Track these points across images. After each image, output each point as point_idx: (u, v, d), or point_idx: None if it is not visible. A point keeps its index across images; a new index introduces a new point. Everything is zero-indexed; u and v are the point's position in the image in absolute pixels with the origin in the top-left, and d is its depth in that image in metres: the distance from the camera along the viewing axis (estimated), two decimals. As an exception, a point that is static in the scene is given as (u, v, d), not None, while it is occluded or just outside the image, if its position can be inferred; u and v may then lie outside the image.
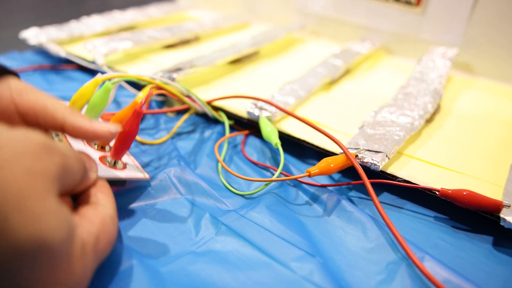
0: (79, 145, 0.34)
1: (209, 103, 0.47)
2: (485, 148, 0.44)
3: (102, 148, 0.36)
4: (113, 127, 0.29)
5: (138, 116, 0.33)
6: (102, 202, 0.27)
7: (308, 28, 0.79)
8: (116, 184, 0.35)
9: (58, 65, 0.60)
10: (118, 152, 0.33)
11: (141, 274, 0.28)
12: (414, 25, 0.68)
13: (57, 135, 0.33)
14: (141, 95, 0.40)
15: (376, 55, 0.71)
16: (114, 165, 0.34)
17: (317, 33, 0.80)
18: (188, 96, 0.46)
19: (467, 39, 0.64)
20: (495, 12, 0.61)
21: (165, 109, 0.47)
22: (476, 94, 0.58)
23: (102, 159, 0.34)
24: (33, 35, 0.61)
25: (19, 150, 0.20)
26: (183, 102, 0.47)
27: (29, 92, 0.28)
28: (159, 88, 0.42)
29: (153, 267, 0.29)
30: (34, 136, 0.21)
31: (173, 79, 0.49)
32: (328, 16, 0.77)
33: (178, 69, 0.51)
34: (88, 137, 0.28)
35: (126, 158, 0.36)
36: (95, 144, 0.35)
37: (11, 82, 0.29)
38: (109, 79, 0.37)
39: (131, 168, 0.35)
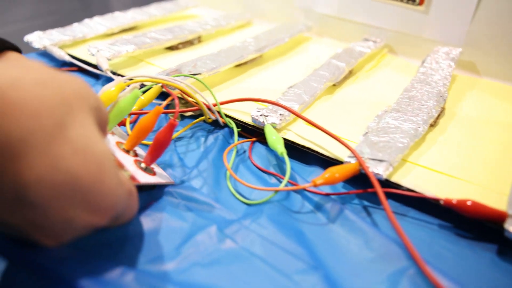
0: (114, 149, 0.35)
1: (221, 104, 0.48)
2: (489, 153, 0.44)
3: (127, 152, 0.37)
4: None
5: (172, 128, 0.35)
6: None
7: (312, 28, 0.79)
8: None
9: (62, 68, 0.60)
10: (152, 159, 0.36)
11: (143, 283, 0.29)
12: (417, 24, 0.68)
13: None
14: (164, 103, 0.41)
15: (379, 54, 0.71)
16: (145, 170, 0.35)
17: (320, 32, 0.79)
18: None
19: (471, 38, 0.64)
20: (499, 11, 0.60)
21: (179, 109, 0.48)
22: (480, 96, 0.58)
23: (136, 163, 0.36)
24: (37, 38, 0.62)
25: (69, 78, 0.26)
26: (189, 106, 0.48)
27: None
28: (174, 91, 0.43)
29: (157, 277, 0.29)
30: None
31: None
32: (331, 15, 0.77)
33: (180, 74, 0.51)
34: None
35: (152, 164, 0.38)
36: (123, 149, 0.37)
37: (11, 56, 0.31)
38: (133, 83, 0.39)
39: (159, 174, 0.37)
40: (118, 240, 0.32)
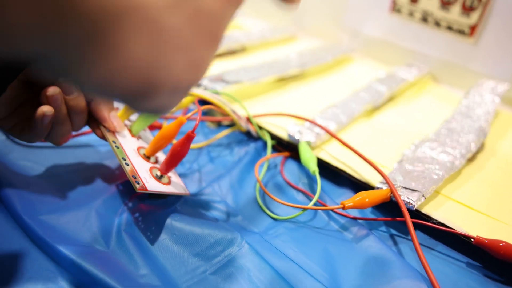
0: (131, 153, 0.36)
1: (254, 117, 0.48)
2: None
3: (147, 158, 0.37)
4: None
5: (190, 140, 0.35)
6: None
7: (356, 48, 0.79)
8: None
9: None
10: (167, 168, 0.36)
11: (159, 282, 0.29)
12: (464, 55, 0.67)
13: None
14: (188, 114, 0.41)
15: (422, 82, 0.70)
16: (160, 179, 0.36)
17: (364, 52, 0.79)
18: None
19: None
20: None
21: (207, 117, 0.48)
22: (523, 134, 0.56)
23: (151, 170, 0.36)
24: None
25: None
26: (226, 115, 0.48)
27: None
28: (208, 103, 0.43)
29: (173, 279, 0.30)
30: None
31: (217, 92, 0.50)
32: (377, 37, 0.76)
33: (222, 80, 0.52)
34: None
35: (170, 173, 0.38)
36: (143, 154, 0.37)
37: None
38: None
39: (174, 184, 0.37)
40: (143, 238, 0.32)
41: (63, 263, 0.30)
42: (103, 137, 0.37)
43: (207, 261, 0.32)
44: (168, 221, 0.35)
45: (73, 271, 0.29)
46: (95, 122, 0.37)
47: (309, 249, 0.35)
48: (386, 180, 0.38)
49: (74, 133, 0.38)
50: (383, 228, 0.38)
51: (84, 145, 0.43)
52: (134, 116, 0.41)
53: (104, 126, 0.36)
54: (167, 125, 0.37)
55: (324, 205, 0.39)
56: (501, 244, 0.33)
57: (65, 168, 0.39)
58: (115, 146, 0.35)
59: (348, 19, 0.79)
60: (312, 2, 0.84)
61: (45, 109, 0.33)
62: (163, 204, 0.37)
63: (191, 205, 0.37)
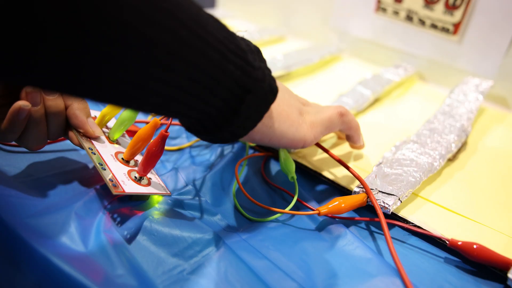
0: (109, 158, 0.37)
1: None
2: (507, 195, 0.43)
3: (127, 162, 0.38)
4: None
5: (164, 139, 0.35)
6: None
7: (343, 48, 0.79)
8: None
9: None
10: (145, 169, 0.36)
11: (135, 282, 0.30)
12: (449, 53, 0.67)
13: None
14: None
15: (408, 81, 0.70)
16: (139, 181, 0.37)
17: (352, 53, 0.79)
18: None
19: (504, 72, 0.63)
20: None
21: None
22: (506, 131, 0.57)
23: (129, 173, 0.37)
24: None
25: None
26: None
27: None
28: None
29: (150, 279, 0.31)
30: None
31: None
32: (365, 38, 0.76)
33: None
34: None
35: (150, 174, 0.39)
36: (122, 158, 0.38)
37: None
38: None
39: (154, 184, 0.38)
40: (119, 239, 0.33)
41: (41, 264, 0.31)
42: (79, 145, 0.37)
43: (184, 261, 0.33)
44: (147, 221, 0.35)
45: (50, 272, 0.30)
46: (71, 131, 0.37)
47: (287, 248, 0.35)
48: (363, 185, 0.39)
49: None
50: (362, 226, 0.39)
51: (64, 149, 0.43)
52: (111, 123, 0.41)
53: (80, 133, 0.37)
54: (141, 128, 0.37)
55: (300, 212, 0.39)
56: (475, 246, 0.34)
57: (45, 172, 0.40)
58: (92, 152, 0.36)
59: (335, 20, 0.80)
60: (299, 3, 0.84)
61: (22, 103, 0.33)
62: (143, 205, 0.37)
63: (171, 205, 0.38)
